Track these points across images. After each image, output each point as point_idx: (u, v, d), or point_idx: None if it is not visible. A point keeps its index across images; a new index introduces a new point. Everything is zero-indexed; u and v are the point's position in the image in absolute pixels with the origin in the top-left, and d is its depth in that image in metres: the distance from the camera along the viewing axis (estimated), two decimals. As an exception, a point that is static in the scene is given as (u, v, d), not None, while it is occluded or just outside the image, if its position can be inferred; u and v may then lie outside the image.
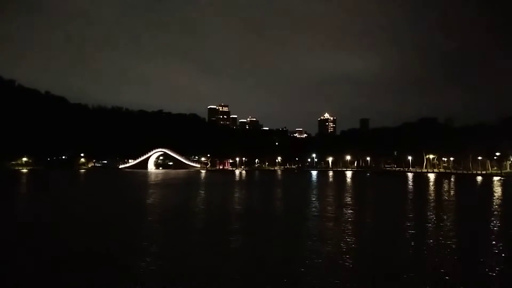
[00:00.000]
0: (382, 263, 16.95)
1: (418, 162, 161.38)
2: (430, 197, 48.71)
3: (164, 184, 74.21)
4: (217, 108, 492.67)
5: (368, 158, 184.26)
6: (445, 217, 30.92)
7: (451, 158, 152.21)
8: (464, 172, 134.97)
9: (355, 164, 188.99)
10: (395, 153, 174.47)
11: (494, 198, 49.34)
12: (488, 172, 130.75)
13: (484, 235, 23.75)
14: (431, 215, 31.96)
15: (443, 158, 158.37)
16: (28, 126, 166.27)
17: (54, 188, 64.37)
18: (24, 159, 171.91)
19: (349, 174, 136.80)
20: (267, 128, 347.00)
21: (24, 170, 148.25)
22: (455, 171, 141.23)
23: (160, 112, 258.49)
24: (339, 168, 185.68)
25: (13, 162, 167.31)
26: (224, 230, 24.22)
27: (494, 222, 29.08)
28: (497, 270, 15.95)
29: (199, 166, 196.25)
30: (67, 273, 15.18)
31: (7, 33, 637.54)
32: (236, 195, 50.71)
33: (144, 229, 24.65)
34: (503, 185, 76.45)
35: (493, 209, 37.28)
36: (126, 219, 29.53)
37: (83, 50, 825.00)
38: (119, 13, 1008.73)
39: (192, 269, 15.78)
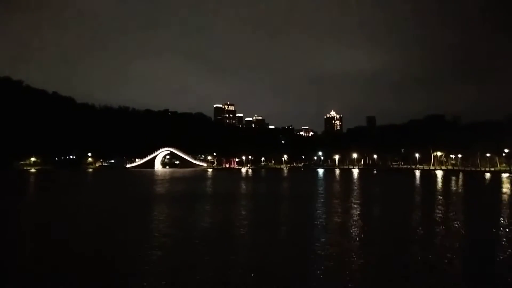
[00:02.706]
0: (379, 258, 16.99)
1: (425, 159, 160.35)
2: (439, 195, 48.51)
3: (174, 181, 74.92)
4: (223, 107, 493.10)
5: (375, 156, 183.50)
6: (452, 214, 30.77)
7: (459, 155, 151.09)
8: (472, 169, 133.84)
9: (362, 162, 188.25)
10: (402, 151, 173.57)
11: (504, 195, 48.98)
12: (496, 169, 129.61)
13: (493, 234, 23.59)
14: (440, 213, 31.81)
15: (450, 155, 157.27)
16: (36, 126, 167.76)
17: (72, 187, 65.19)
18: (33, 159, 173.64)
19: (356, 172, 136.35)
20: (273, 127, 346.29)
21: (33, 170, 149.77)
22: (463, 168, 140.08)
23: (166, 111, 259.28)
24: (346, 166, 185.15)
25: (22, 162, 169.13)
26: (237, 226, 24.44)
27: (506, 220, 28.86)
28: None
29: (205, 165, 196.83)
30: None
31: (10, 34, 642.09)
32: (243, 190, 50.95)
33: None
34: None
35: (504, 206, 37.02)
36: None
37: (85, 50, 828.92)
38: (121, 12, 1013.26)
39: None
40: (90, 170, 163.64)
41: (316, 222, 26.06)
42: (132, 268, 15.53)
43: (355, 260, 16.41)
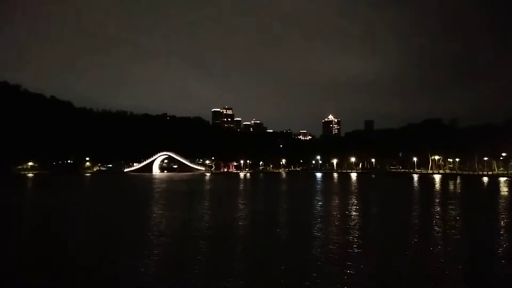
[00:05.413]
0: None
1: (423, 163, 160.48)
2: (436, 199, 48.56)
3: (174, 183, 74.88)
4: (221, 111, 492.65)
5: (373, 160, 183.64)
6: (449, 217, 30.79)
7: (457, 159, 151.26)
8: (470, 173, 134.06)
9: (360, 166, 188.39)
10: (400, 155, 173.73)
11: (502, 199, 49.07)
12: (494, 172, 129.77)
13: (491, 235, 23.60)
14: (438, 220, 31.81)
15: (448, 159, 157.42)
16: (34, 130, 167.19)
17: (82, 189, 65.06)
18: (30, 163, 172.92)
19: (354, 175, 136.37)
20: (271, 131, 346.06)
21: (30, 175, 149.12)
22: (460, 172, 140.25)
23: (164, 115, 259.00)
24: (344, 170, 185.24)
25: (19, 167, 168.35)
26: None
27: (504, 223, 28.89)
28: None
29: (203, 169, 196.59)
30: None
31: (8, 38, 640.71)
32: (241, 192, 50.97)
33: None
34: (510, 185, 75.90)
35: (500, 210, 37.06)
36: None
37: (83, 54, 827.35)
38: (120, 14, 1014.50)
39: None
40: (88, 174, 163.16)
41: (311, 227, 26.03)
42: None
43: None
